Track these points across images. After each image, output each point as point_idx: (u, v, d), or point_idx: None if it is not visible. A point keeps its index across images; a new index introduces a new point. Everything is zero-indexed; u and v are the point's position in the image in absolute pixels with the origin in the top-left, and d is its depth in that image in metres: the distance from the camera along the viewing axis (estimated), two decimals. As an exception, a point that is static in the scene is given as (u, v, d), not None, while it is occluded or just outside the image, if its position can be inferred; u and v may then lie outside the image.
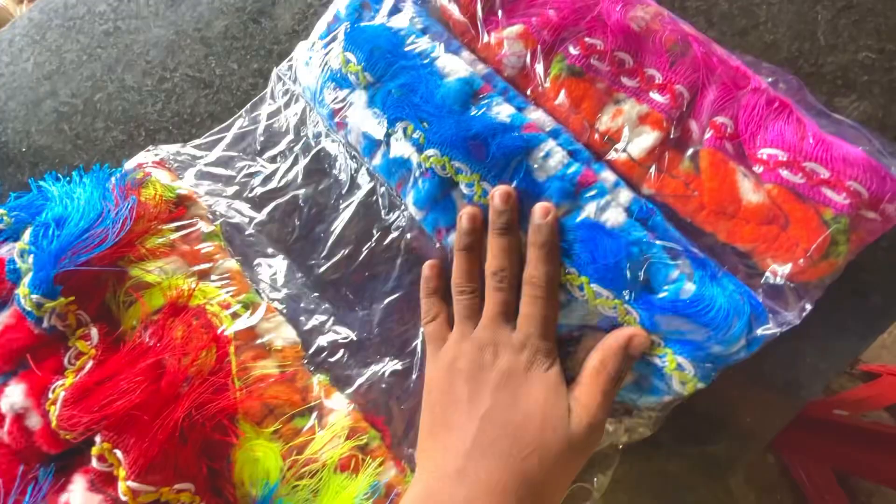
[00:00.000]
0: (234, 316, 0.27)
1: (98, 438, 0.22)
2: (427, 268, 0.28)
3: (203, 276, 0.29)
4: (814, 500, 0.88)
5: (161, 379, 0.24)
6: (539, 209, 0.25)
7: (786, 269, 0.24)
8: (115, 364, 0.24)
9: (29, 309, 0.24)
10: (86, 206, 0.27)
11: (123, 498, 0.21)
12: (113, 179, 0.30)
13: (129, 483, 0.21)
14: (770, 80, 0.27)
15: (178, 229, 0.29)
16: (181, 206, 0.30)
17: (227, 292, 0.28)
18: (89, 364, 0.24)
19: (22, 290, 0.25)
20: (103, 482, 0.22)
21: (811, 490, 0.89)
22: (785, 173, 0.24)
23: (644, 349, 0.24)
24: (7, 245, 0.28)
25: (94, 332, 0.26)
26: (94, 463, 0.22)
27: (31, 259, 0.26)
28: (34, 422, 0.24)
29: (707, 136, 0.26)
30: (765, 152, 0.24)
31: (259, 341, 0.27)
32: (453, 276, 0.27)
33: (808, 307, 0.24)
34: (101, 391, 0.23)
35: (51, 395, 0.23)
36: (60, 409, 0.23)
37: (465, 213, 0.26)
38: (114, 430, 0.22)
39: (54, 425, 0.23)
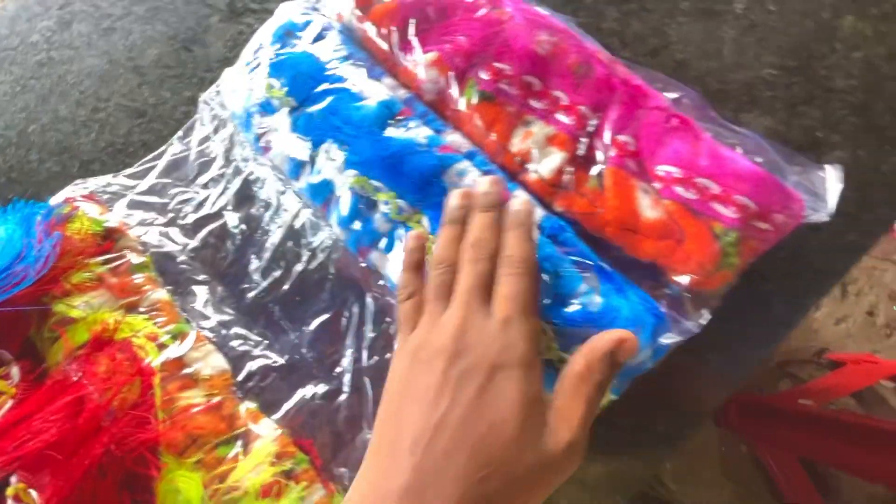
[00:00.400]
0: (162, 347, 0.28)
1: (13, 479, 0.23)
2: (412, 238, 0.26)
3: (131, 308, 0.29)
4: (783, 489, 0.91)
5: (80, 415, 0.24)
6: (515, 199, 0.25)
7: (684, 280, 0.25)
8: (35, 402, 0.24)
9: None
10: (5, 245, 0.27)
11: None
12: (39, 215, 0.30)
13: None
14: (676, 95, 0.28)
15: (105, 262, 0.30)
16: (109, 239, 0.30)
17: (156, 323, 0.29)
18: (8, 404, 0.24)
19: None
20: (17, 524, 0.22)
21: (780, 478, 0.91)
22: (679, 189, 0.25)
23: (634, 353, 0.21)
24: (-72, 286, 0.28)
25: (14, 370, 0.26)
26: (11, 497, 0.22)
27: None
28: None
29: (611, 154, 0.27)
30: (662, 169, 0.25)
31: (186, 371, 0.27)
32: (434, 250, 0.24)
33: (707, 316, 0.25)
34: (18, 431, 0.23)
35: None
36: (-24, 453, 0.23)
37: (459, 190, 0.25)
38: (29, 470, 0.22)
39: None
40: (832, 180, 0.26)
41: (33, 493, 0.22)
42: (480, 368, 0.20)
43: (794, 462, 0.90)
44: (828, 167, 0.26)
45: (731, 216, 0.24)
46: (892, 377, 0.91)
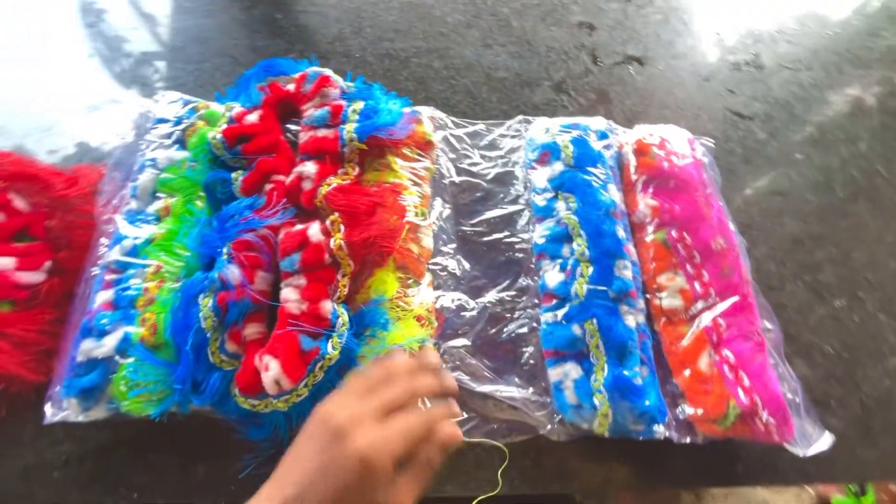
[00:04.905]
0: (414, 214, 0.46)
1: (336, 213, 0.41)
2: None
3: (413, 184, 0.48)
4: None
5: (375, 209, 0.42)
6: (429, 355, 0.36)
7: (691, 412, 0.39)
8: (359, 188, 0.43)
9: (346, 139, 0.44)
10: (397, 112, 0.47)
11: (332, 245, 0.40)
12: (408, 109, 0.50)
13: (340, 240, 0.40)
14: (770, 327, 0.43)
15: (419, 154, 0.49)
16: (428, 145, 0.50)
17: (417, 201, 0.47)
18: (348, 180, 0.44)
19: (348, 127, 0.45)
20: (327, 232, 0.41)
21: None
22: (725, 368, 0.40)
23: (457, 446, 0.31)
24: (345, 102, 0.48)
25: (357, 169, 0.45)
26: (328, 222, 0.41)
27: (357, 116, 0.46)
28: (307, 185, 0.43)
29: (708, 322, 0.42)
30: (725, 352, 0.41)
31: (418, 234, 0.45)
32: (384, 367, 0.33)
33: (687, 441, 0.39)
34: (346, 195, 0.42)
35: (327, 181, 0.43)
36: (329, 189, 0.42)
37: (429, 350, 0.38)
38: (345, 214, 0.41)
39: (320, 196, 0.42)
40: (823, 443, 0.39)
41: (342, 225, 0.40)
42: (356, 447, 0.28)
43: None
44: (827, 434, 0.40)
45: (743, 401, 0.38)
46: None
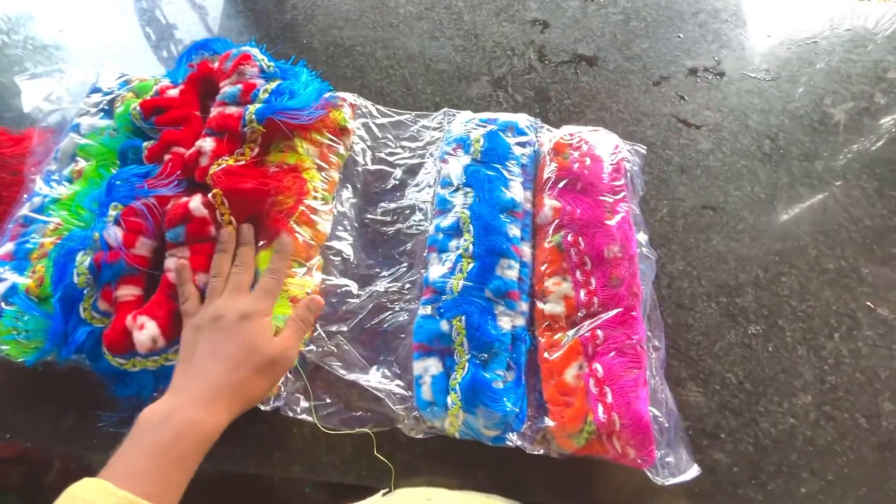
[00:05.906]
0: (314, 198, 0.46)
1: (218, 189, 0.42)
2: (184, 265, 0.40)
3: (319, 169, 0.48)
4: None
5: (265, 190, 0.43)
6: (284, 240, 0.42)
7: (549, 423, 0.38)
8: (251, 170, 0.44)
9: (246, 119, 0.45)
10: (307, 96, 0.48)
11: (221, 220, 0.41)
12: (327, 94, 0.50)
13: (229, 217, 0.41)
14: (658, 345, 0.41)
15: (330, 140, 0.49)
16: (343, 132, 0.50)
17: (322, 185, 0.47)
18: (242, 161, 0.44)
19: (251, 108, 0.46)
20: (210, 205, 0.42)
21: None
22: (591, 382, 0.38)
23: (319, 309, 0.41)
24: (261, 81, 0.49)
25: (257, 150, 0.46)
26: (210, 195, 0.42)
27: (266, 96, 0.47)
28: (203, 161, 0.44)
29: (586, 332, 0.40)
30: (595, 366, 0.38)
31: (313, 217, 0.46)
32: (212, 267, 0.40)
33: (541, 452, 0.38)
34: (239, 174, 0.43)
35: (219, 161, 0.44)
36: (219, 169, 0.43)
37: (226, 230, 0.41)
38: (228, 191, 0.42)
39: (209, 175, 0.43)
40: (689, 474, 0.37)
41: (225, 200, 0.41)
42: (232, 326, 0.37)
43: None
44: (695, 466, 0.37)
45: (601, 419, 0.36)
46: None
